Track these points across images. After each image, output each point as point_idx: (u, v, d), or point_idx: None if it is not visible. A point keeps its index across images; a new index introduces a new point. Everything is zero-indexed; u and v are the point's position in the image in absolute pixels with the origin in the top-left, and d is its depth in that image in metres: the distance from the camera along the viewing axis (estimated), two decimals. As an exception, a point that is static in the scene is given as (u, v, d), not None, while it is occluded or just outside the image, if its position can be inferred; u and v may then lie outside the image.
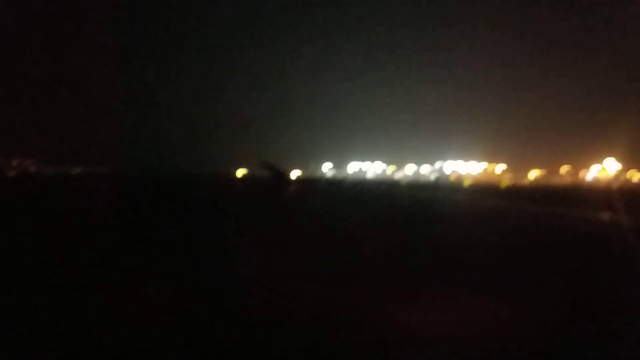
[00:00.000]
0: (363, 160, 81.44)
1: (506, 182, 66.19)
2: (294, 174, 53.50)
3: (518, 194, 34.27)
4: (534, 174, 72.43)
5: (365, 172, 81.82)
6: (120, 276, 6.43)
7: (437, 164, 78.08)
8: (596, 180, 64.29)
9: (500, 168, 75.94)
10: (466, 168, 76.91)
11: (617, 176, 63.14)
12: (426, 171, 78.55)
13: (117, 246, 8.24)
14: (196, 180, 43.30)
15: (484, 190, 40.51)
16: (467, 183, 63.68)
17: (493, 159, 74.54)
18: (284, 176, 46.11)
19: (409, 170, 79.65)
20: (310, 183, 50.57)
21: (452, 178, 74.86)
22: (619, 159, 64.38)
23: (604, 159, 66.33)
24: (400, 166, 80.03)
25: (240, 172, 62.63)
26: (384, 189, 41.79)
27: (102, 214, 13.06)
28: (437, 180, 71.24)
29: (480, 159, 75.66)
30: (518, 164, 72.97)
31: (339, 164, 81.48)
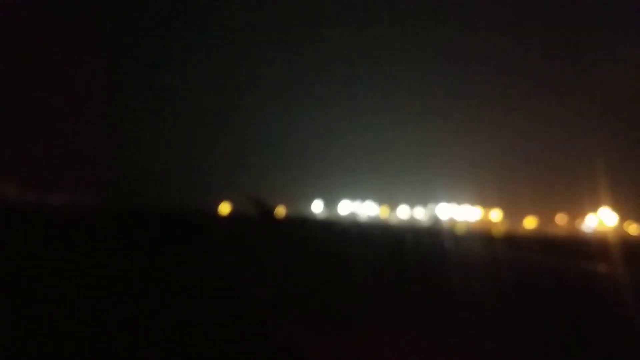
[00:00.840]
0: (354, 199, 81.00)
1: (501, 228, 65.81)
2: (283, 210, 52.72)
3: (513, 242, 34.35)
4: (529, 222, 72.01)
5: (356, 212, 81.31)
6: (102, 315, 6.06)
7: (430, 207, 77.70)
8: (592, 230, 63.95)
9: (494, 213, 75.54)
10: (460, 212, 76.53)
11: (613, 227, 62.77)
12: (420, 214, 78.06)
13: (98, 284, 8.13)
14: (181, 214, 42.57)
15: (478, 237, 40.50)
16: (461, 228, 63.25)
17: (487, 203, 74.28)
18: (272, 212, 45.25)
19: (402, 212, 79.13)
20: (299, 220, 49.93)
21: (447, 223, 74.36)
22: (615, 209, 64.12)
23: (599, 209, 66.12)
24: (392, 207, 79.53)
25: (227, 207, 61.71)
26: (377, 231, 41.38)
27: (83, 249, 12.89)
28: (432, 225, 70.76)
29: (474, 203, 75.44)
30: (513, 210, 72.57)
31: (329, 202, 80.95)
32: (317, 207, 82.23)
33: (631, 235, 62.21)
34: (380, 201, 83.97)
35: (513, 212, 73.60)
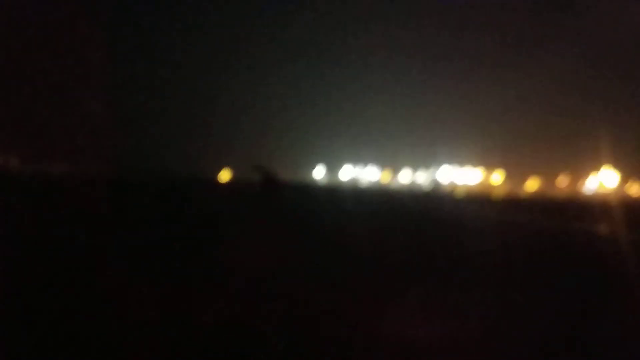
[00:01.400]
0: (355, 164, 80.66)
1: (502, 191, 65.84)
2: (286, 177, 52.55)
3: (515, 204, 34.41)
4: (530, 184, 71.92)
5: (359, 177, 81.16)
6: (104, 284, 6.10)
7: (432, 169, 77.39)
8: (594, 190, 63.92)
9: (496, 175, 75.38)
10: (461, 174, 76.32)
11: (614, 188, 62.73)
12: (422, 177, 77.84)
13: (100, 252, 8.10)
14: (184, 183, 42.55)
15: (480, 199, 40.57)
16: (462, 191, 63.30)
17: (489, 165, 74.06)
18: (276, 180, 45.02)
19: (404, 175, 78.93)
20: (303, 187, 49.82)
21: (448, 186, 74.29)
22: (617, 169, 63.96)
23: (601, 168, 65.97)
24: (394, 171, 79.29)
25: (230, 175, 61.62)
26: (380, 195, 41.48)
27: (85, 217, 12.86)
28: (433, 187, 70.76)
29: (475, 164, 75.16)
30: (514, 172, 72.43)
31: (331, 167, 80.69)
32: (319, 172, 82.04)
33: (632, 196, 62.25)
34: (382, 166, 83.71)
35: (515, 174, 73.53)
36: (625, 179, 65.04)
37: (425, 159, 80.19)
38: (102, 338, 4.50)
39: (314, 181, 79.44)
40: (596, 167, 66.04)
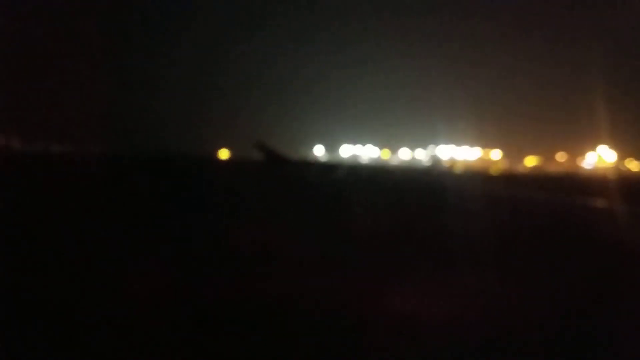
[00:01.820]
0: (354, 144, 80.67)
1: (500, 167, 66.08)
2: (289, 155, 52.58)
3: (512, 180, 34.53)
4: (529, 161, 72.13)
5: (358, 156, 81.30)
6: (105, 267, 6.12)
7: (430, 148, 77.53)
8: (593, 167, 64.14)
9: (495, 153, 75.57)
10: (460, 153, 76.52)
11: (612, 164, 62.94)
12: (421, 156, 78.02)
13: (100, 233, 8.04)
14: (186, 162, 42.52)
15: (479, 177, 40.64)
16: (461, 169, 63.45)
17: (487, 144, 74.20)
18: (279, 158, 44.93)
19: (403, 154, 79.10)
20: (306, 166, 49.75)
21: (448, 164, 74.51)
22: (615, 146, 64.13)
23: (598, 146, 66.09)
24: (393, 150, 79.42)
25: (229, 154, 61.53)
26: (381, 173, 41.55)
27: (84, 197, 12.88)
28: (432, 165, 70.99)
29: (473, 144, 75.28)
30: (513, 150, 72.63)
31: (330, 147, 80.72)
32: (319, 151, 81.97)
33: (632, 172, 62.43)
34: (380, 145, 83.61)
35: (513, 152, 73.66)
36: (623, 156, 65.24)
37: (422, 139, 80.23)
38: (104, 321, 4.42)
39: (316, 159, 79.38)
40: (594, 145, 66.17)
